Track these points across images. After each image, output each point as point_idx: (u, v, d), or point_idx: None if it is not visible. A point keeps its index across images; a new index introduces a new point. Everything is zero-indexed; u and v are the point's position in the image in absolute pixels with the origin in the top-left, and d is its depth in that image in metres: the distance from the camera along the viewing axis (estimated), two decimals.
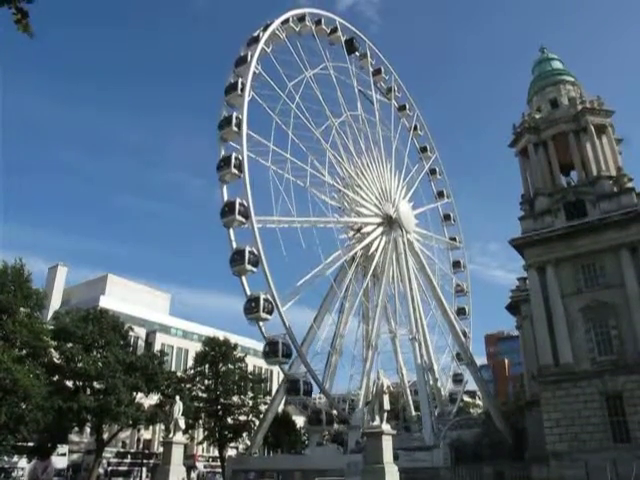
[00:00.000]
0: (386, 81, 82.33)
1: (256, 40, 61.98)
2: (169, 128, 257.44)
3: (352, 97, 72.17)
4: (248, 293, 51.62)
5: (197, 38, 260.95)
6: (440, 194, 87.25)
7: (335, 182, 65.61)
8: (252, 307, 50.72)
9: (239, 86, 58.52)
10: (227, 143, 58.38)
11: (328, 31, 71.34)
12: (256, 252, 51.74)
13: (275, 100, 60.54)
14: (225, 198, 54.97)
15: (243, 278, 51.82)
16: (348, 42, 74.21)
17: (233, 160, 54.70)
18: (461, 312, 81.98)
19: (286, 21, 64.62)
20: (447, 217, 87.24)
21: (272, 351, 51.04)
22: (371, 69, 78.30)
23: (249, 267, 51.19)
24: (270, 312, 51.40)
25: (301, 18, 67.06)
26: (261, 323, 51.55)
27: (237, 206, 52.69)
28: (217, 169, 55.74)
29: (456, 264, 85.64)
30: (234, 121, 56.23)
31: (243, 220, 52.73)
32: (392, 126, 78.14)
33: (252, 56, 59.79)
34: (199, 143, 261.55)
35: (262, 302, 50.45)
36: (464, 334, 78.23)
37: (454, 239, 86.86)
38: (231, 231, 53.67)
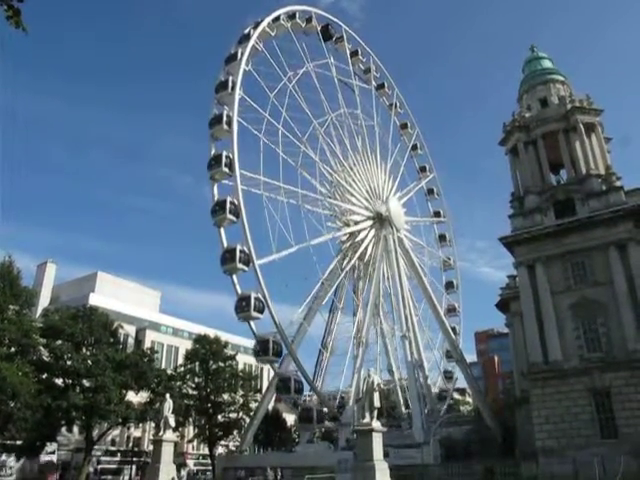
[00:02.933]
0: (364, 63, 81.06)
1: (234, 57, 60.22)
2: (153, 125, 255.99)
3: (334, 93, 71.15)
4: (257, 335, 51.70)
5: (183, 37, 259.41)
6: (422, 169, 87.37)
7: (326, 190, 65.34)
8: (263, 350, 50.77)
9: (224, 118, 56.32)
10: (219, 182, 56.42)
11: (303, 25, 69.42)
12: (262, 298, 51.04)
13: (260, 121, 59.07)
14: (224, 242, 53.34)
15: (251, 323, 51.34)
16: (324, 29, 72.71)
17: (228, 205, 52.80)
18: (450, 286, 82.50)
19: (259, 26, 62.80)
20: (431, 191, 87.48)
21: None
22: (348, 52, 76.92)
23: (255, 314, 50.46)
24: (279, 354, 51.89)
25: (276, 19, 65.08)
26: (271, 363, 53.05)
27: (238, 253, 51.33)
28: (212, 213, 53.88)
29: (442, 237, 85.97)
30: (224, 161, 54.37)
31: (245, 268, 51.75)
32: (374, 112, 77.54)
33: (234, 82, 57.93)
34: (184, 140, 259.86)
35: (271, 344, 50.54)
36: (453, 308, 78.67)
37: (439, 213, 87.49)
38: (234, 277, 52.45)
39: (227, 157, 54.95)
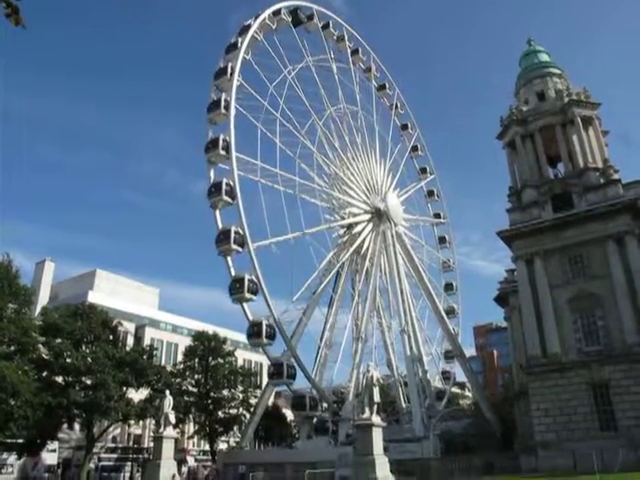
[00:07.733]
0: (364, 62, 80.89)
1: (234, 46, 60.48)
2: (145, 121, 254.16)
3: (333, 88, 71.04)
4: (251, 319, 51.73)
5: (168, 33, 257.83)
6: (423, 170, 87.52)
7: (324, 183, 65.35)
8: (256, 333, 50.90)
9: (222, 103, 56.63)
10: (216, 165, 56.64)
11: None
12: (255, 280, 51.20)
13: (258, 109, 59.02)
14: (219, 223, 53.69)
15: (245, 305, 51.62)
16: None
17: (224, 187, 52.97)
18: (449, 288, 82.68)
19: (248, 29, 62.21)
20: (431, 193, 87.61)
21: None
22: (349, 50, 76.84)
23: (248, 295, 50.70)
24: (272, 337, 51.75)
25: (277, 12, 64.71)
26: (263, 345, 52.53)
27: (232, 234, 51.52)
28: (208, 195, 54.12)
29: (441, 240, 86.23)
30: (221, 144, 54.44)
31: (239, 249, 51.89)
32: (374, 109, 77.76)
33: (233, 68, 58.04)
34: (177, 137, 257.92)
35: (264, 328, 50.52)
36: (452, 310, 78.81)
37: (439, 215, 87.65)
38: (229, 259, 52.72)
39: (224, 140, 55.06)
